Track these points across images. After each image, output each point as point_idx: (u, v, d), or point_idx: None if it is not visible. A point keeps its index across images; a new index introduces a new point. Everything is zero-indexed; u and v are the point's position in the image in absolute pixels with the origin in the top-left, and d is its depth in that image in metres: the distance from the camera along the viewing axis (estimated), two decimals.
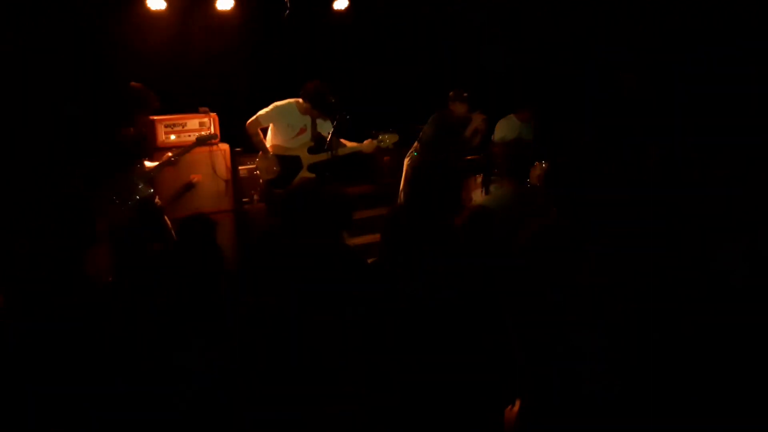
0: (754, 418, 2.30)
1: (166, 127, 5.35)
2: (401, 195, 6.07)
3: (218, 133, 5.49)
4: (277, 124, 5.16)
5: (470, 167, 6.04)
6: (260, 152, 5.19)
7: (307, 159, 5.18)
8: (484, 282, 2.52)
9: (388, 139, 5.18)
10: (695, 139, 5.23)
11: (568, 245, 2.42)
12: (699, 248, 2.84)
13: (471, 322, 2.43)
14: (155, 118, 5.24)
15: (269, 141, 5.22)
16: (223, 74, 6.42)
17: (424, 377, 2.33)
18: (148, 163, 4.70)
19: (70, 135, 5.05)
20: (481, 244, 2.88)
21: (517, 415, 2.45)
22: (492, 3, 7.57)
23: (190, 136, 5.32)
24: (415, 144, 6.20)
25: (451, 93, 6.10)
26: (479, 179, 5.85)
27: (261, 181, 5.42)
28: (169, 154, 4.86)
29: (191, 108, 5.50)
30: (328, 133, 5.10)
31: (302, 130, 5.16)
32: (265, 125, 5.15)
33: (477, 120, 6.05)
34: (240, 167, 5.90)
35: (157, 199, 4.74)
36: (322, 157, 5.14)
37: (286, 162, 5.16)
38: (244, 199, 5.90)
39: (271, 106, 5.12)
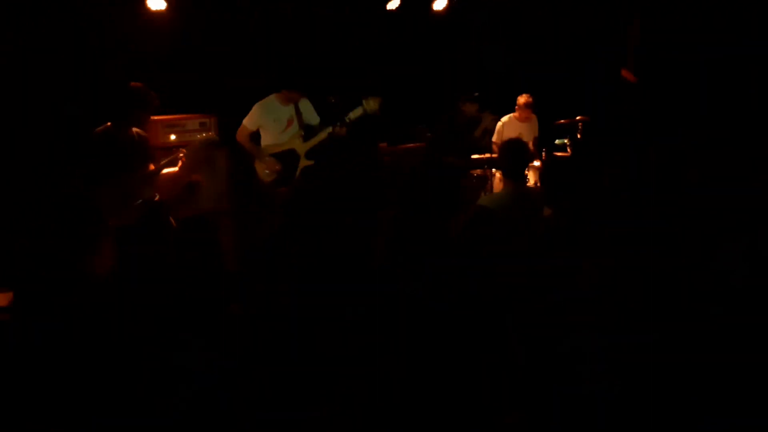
0: (754, 418, 2.30)
1: (166, 127, 5.35)
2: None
3: (218, 133, 5.50)
4: (264, 122, 5.17)
5: (483, 164, 6.10)
6: (256, 159, 5.19)
7: (302, 147, 5.19)
8: (484, 282, 2.52)
9: (372, 103, 5.11)
10: (695, 139, 5.23)
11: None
12: (699, 248, 2.84)
13: (471, 322, 2.43)
14: (155, 118, 5.24)
15: (262, 145, 5.24)
16: (223, 74, 6.41)
17: (425, 377, 2.33)
18: (150, 164, 4.70)
19: (70, 135, 5.05)
20: (481, 245, 2.88)
21: (516, 415, 2.45)
22: (492, 3, 7.58)
23: (190, 136, 5.33)
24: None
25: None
26: (499, 175, 5.87)
27: (265, 182, 5.43)
28: (180, 154, 4.87)
29: (191, 108, 5.51)
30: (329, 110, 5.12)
31: (289, 122, 5.19)
32: (253, 129, 5.16)
33: (487, 119, 6.09)
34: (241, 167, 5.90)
35: (159, 199, 4.74)
36: (316, 141, 5.15)
37: (283, 157, 5.18)
38: (243, 199, 5.89)
39: (252, 108, 5.16)
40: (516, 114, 6.73)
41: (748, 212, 3.20)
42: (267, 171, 5.19)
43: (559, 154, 6.64)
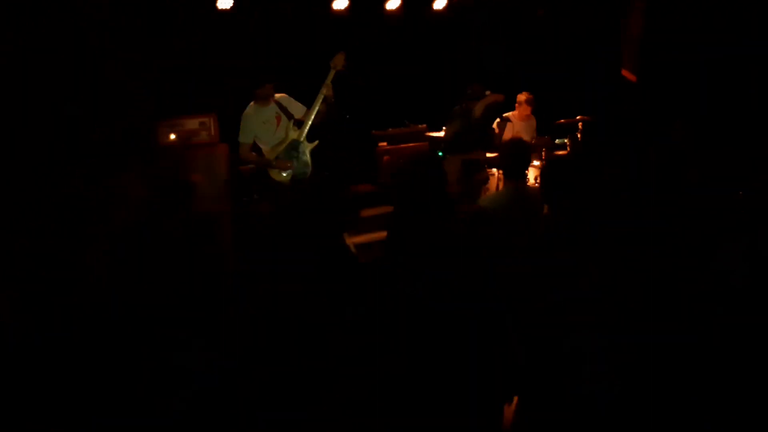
0: (754, 417, 2.30)
1: (165, 127, 5.35)
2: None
3: (217, 133, 5.51)
4: (255, 129, 5.23)
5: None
6: (267, 168, 5.26)
7: (300, 134, 5.26)
8: (484, 282, 2.52)
9: (337, 60, 5.21)
10: (696, 139, 5.23)
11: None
12: (699, 248, 2.84)
13: (471, 322, 2.42)
14: (155, 118, 5.25)
15: (264, 153, 5.31)
16: (223, 74, 6.41)
17: (425, 377, 2.33)
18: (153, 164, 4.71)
19: (70, 135, 5.05)
20: (481, 244, 2.88)
21: (516, 415, 2.45)
22: (492, 3, 7.58)
23: (189, 136, 5.34)
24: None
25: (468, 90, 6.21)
26: (500, 173, 5.88)
27: (285, 184, 5.42)
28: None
29: (191, 108, 5.51)
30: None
31: (278, 118, 5.26)
32: (250, 142, 5.24)
33: (490, 98, 6.12)
34: (240, 167, 5.90)
35: (160, 200, 4.74)
36: (309, 122, 5.23)
37: (289, 151, 5.25)
38: (243, 199, 5.89)
39: (240, 123, 5.23)
40: (516, 112, 6.73)
41: (748, 212, 3.20)
42: (283, 173, 5.26)
43: (559, 153, 6.65)
